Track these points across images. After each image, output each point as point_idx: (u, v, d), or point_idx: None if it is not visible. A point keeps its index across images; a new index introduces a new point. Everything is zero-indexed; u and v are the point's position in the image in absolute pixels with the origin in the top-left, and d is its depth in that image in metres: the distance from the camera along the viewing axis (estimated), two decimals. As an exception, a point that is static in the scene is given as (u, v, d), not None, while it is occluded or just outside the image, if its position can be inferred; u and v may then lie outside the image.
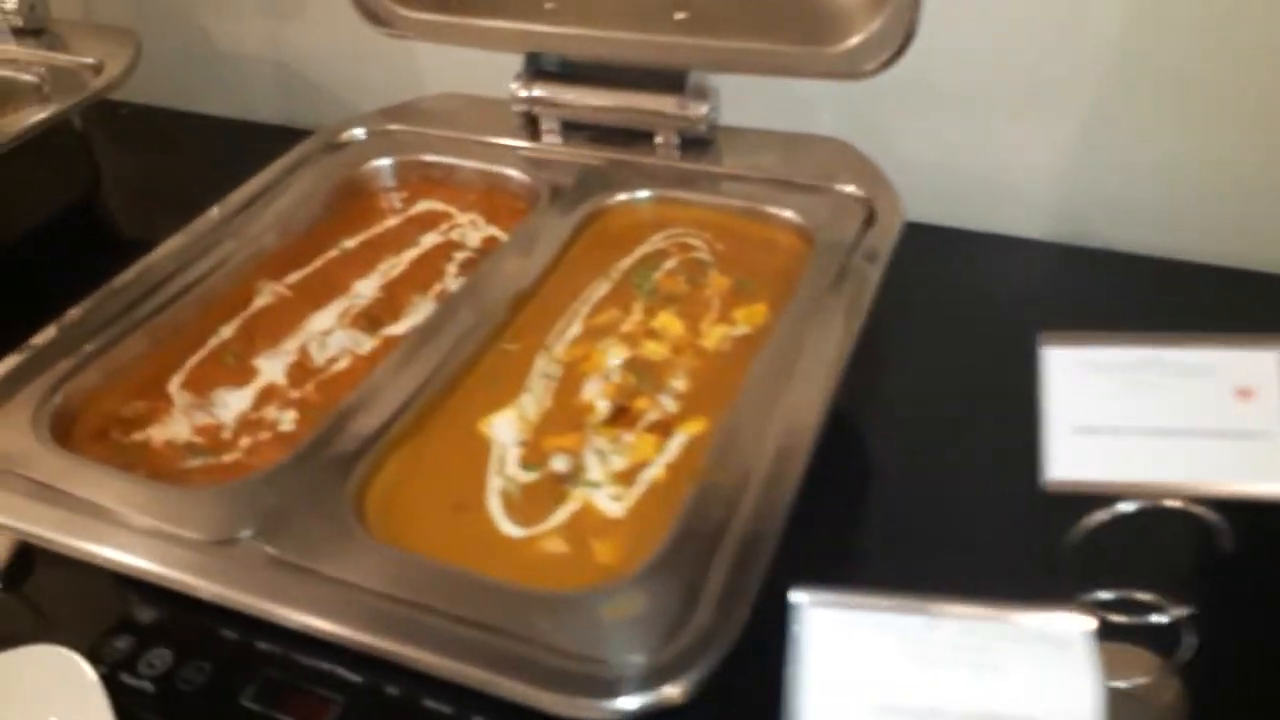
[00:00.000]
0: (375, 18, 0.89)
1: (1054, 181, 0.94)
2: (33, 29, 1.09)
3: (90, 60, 1.03)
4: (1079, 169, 0.93)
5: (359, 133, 0.92)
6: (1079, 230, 0.94)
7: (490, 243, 0.83)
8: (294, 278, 0.80)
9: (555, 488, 0.59)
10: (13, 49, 1.07)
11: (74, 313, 0.72)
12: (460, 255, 0.82)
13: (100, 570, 0.64)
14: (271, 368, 0.72)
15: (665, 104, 0.84)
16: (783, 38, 0.79)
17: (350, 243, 0.84)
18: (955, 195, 0.94)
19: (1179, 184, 0.89)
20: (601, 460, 0.60)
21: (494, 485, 0.59)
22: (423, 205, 0.88)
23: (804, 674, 0.39)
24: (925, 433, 0.73)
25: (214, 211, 0.82)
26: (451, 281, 0.79)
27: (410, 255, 0.82)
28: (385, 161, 0.89)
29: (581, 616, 0.49)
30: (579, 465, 0.60)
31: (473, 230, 0.85)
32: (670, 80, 0.84)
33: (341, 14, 1.14)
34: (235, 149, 1.21)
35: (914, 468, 0.71)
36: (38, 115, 0.95)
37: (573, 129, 0.88)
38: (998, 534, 0.64)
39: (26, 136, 0.94)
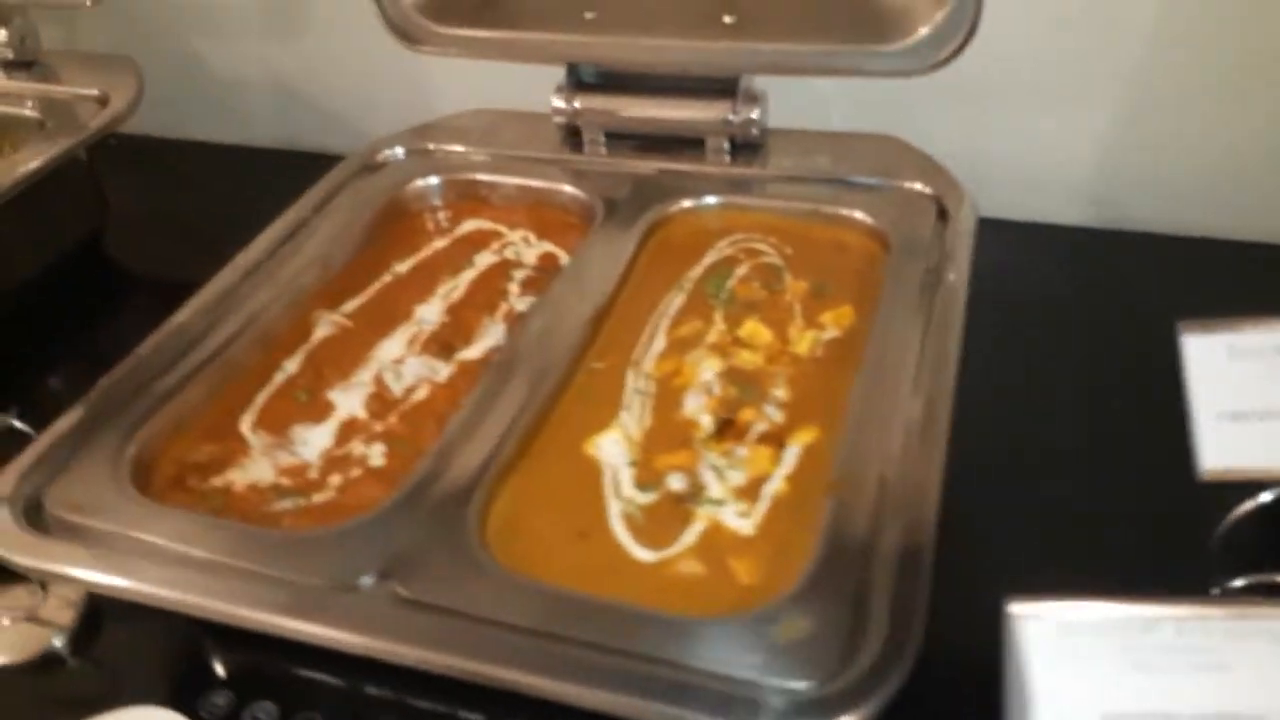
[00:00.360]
0: (408, 36, 0.87)
1: (1089, 167, 0.95)
2: (24, 61, 1.05)
3: (93, 92, 0.99)
4: (1115, 154, 0.93)
5: (395, 153, 0.90)
6: (1117, 215, 0.95)
7: (547, 259, 0.81)
8: (351, 306, 0.78)
9: (678, 507, 0.57)
10: (6, 83, 1.03)
11: (132, 358, 0.69)
12: (520, 274, 0.80)
13: (175, 624, 0.62)
14: (348, 401, 0.69)
15: (715, 110, 0.83)
16: (837, 37, 0.78)
17: (402, 267, 0.82)
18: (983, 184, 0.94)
19: (1216, 164, 0.90)
20: (719, 476, 0.59)
21: (614, 509, 0.57)
22: (470, 224, 0.86)
23: (1028, 686, 0.38)
24: (1041, 425, 0.71)
25: (259, 242, 0.79)
26: (517, 301, 0.77)
27: (468, 277, 0.80)
28: (428, 181, 0.86)
29: (747, 641, 0.47)
30: (697, 483, 0.59)
31: (526, 247, 0.83)
32: (718, 85, 0.83)
33: (342, 33, 1.13)
34: (238, 175, 1.19)
35: (1038, 463, 0.69)
36: (49, 152, 0.91)
37: (617, 139, 0.87)
38: (1146, 525, 0.62)
39: (39, 175, 0.90)
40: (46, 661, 0.64)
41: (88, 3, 0.97)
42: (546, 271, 0.80)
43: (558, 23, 0.84)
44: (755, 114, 0.82)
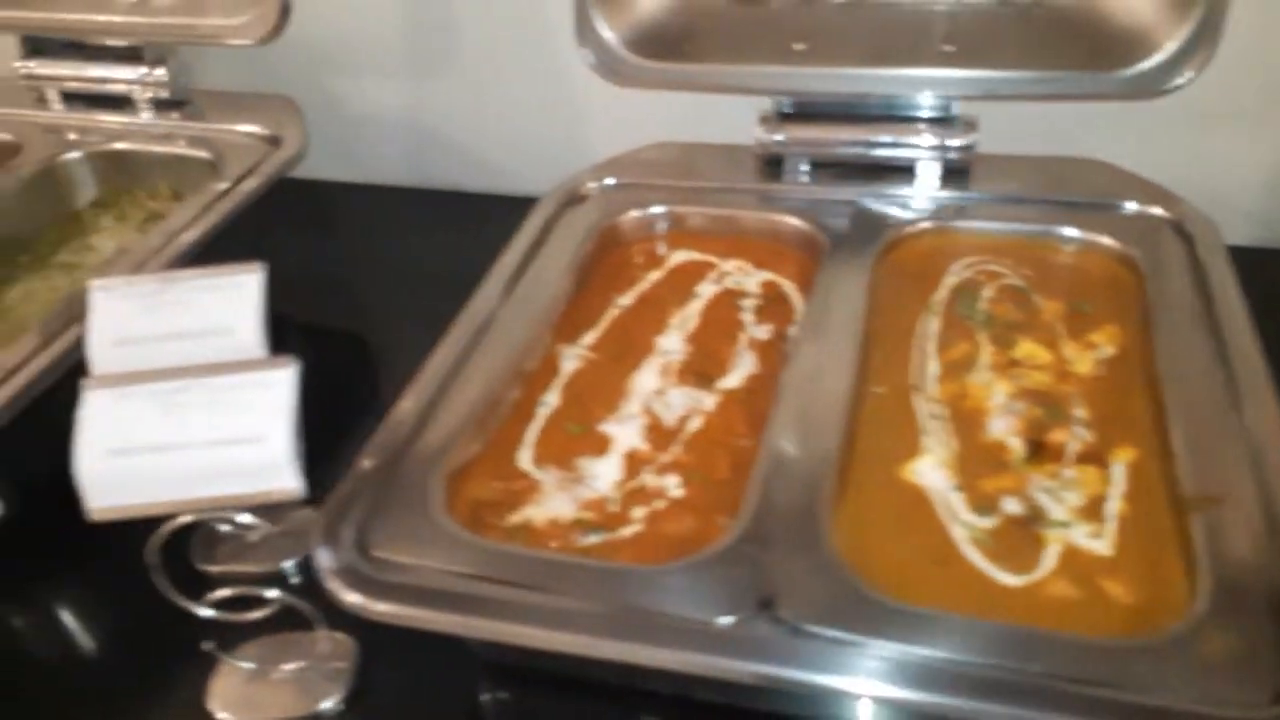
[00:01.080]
0: (613, 72, 0.86)
1: (1259, 189, 0.97)
2: (177, 100, 1.03)
3: (260, 130, 0.98)
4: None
5: (594, 188, 0.89)
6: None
7: (770, 287, 0.81)
8: (589, 339, 0.77)
9: (1025, 531, 0.57)
10: (170, 122, 1.01)
11: (405, 403, 0.67)
12: (748, 303, 0.80)
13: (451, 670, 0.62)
14: (624, 433, 0.68)
15: (928, 136, 0.84)
16: (1062, 62, 0.79)
17: (624, 299, 0.81)
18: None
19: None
20: (1055, 499, 0.59)
21: (959, 535, 0.57)
22: (680, 256, 0.85)
23: None
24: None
25: (492, 282, 0.78)
26: (755, 329, 0.77)
27: (695, 307, 0.80)
28: (641, 214, 0.86)
29: (1178, 660, 0.47)
30: (1034, 506, 0.58)
31: (744, 277, 0.83)
32: (929, 111, 0.84)
33: (486, 73, 1.13)
34: (372, 213, 1.17)
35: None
36: (240, 191, 0.89)
37: (820, 167, 0.87)
38: None
39: (232, 217, 0.87)
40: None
41: (250, 42, 0.95)
42: (775, 300, 0.80)
43: (766, 54, 0.85)
44: (971, 140, 0.83)
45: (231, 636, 0.64)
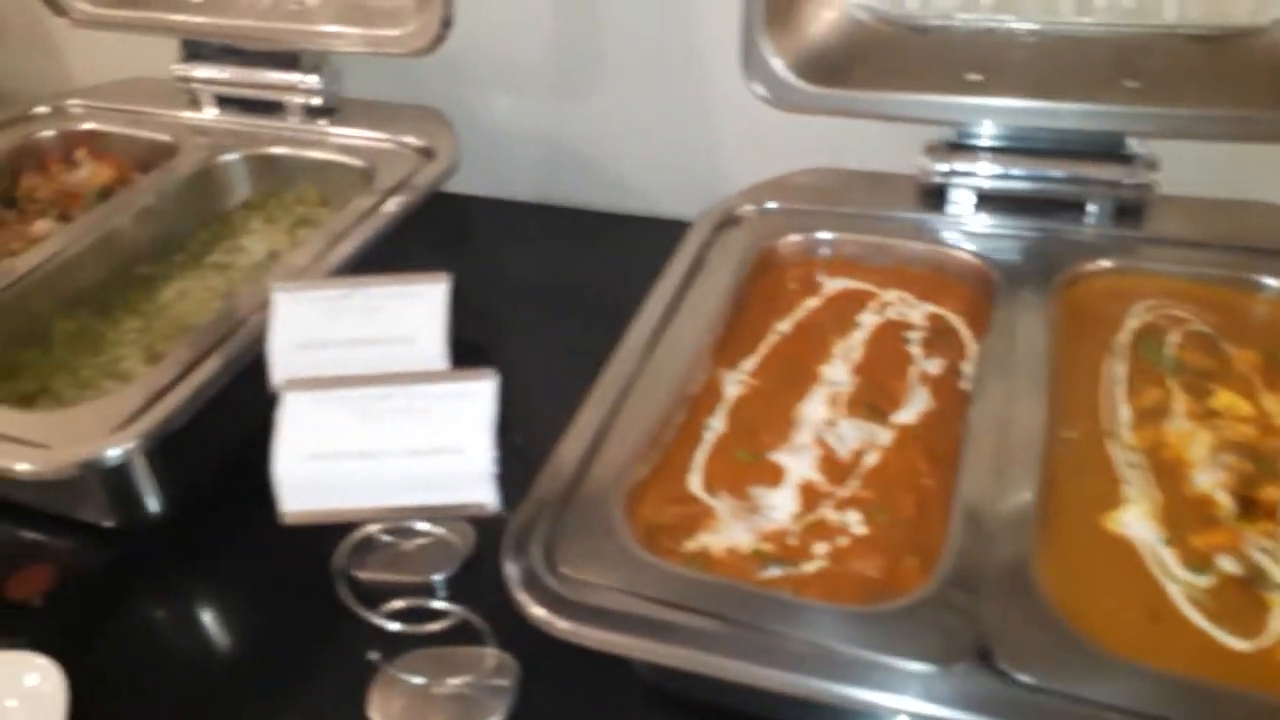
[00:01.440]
0: (781, 98, 0.85)
1: None
2: (327, 108, 1.04)
3: (412, 141, 0.99)
4: None
5: (749, 211, 0.88)
6: None
7: (937, 321, 0.79)
8: (749, 365, 0.75)
9: (1246, 592, 0.54)
10: (318, 128, 1.02)
11: (583, 419, 0.66)
12: (914, 335, 0.78)
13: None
14: (797, 464, 0.67)
15: (1105, 172, 0.81)
16: (1247, 101, 0.76)
17: (782, 325, 0.79)
18: None
19: None
20: (1275, 560, 0.55)
21: (1174, 591, 0.54)
22: (837, 284, 0.83)
23: None
24: None
25: (653, 303, 0.77)
26: (926, 364, 0.75)
27: (859, 337, 0.78)
28: (800, 239, 0.85)
29: None
30: (1253, 566, 0.55)
31: (907, 308, 0.80)
32: (1104, 147, 0.81)
33: (634, 91, 1.12)
34: (515, 230, 1.17)
35: None
36: (396, 202, 0.90)
37: (986, 200, 0.85)
38: None
39: (389, 229, 0.87)
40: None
41: (411, 52, 0.96)
42: (943, 334, 0.77)
43: (935, 83, 0.83)
44: (1149, 179, 0.80)
45: (389, 646, 0.63)
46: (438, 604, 0.60)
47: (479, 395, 0.55)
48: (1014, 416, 0.64)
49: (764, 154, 0.94)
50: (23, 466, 0.64)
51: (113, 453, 0.64)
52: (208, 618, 0.72)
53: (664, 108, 1.12)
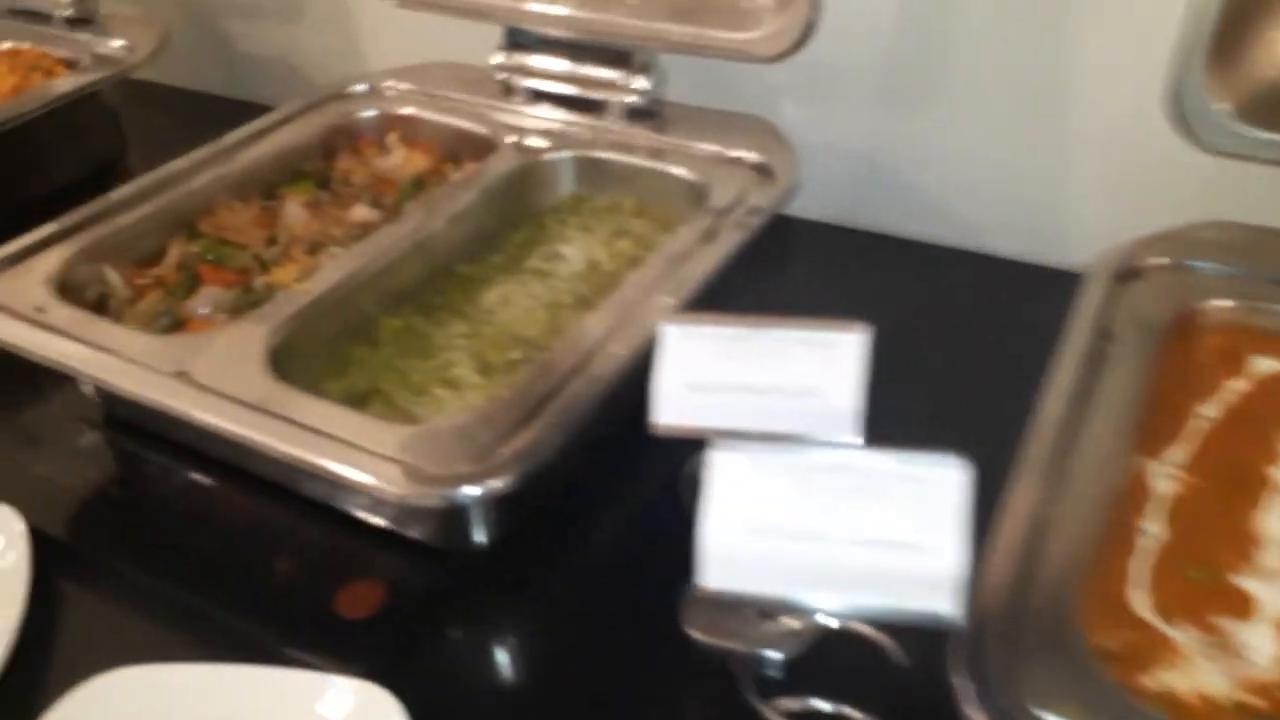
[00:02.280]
0: (1219, 146, 0.72)
1: None
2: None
3: (745, 155, 0.90)
4: None
5: (1151, 265, 0.75)
6: None
7: (1406, 424, 0.65)
8: (1177, 456, 0.64)
9: None
10: (641, 132, 0.95)
11: (1015, 510, 0.56)
12: (1382, 439, 0.64)
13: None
14: (1271, 595, 0.55)
15: None
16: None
17: (1207, 410, 0.67)
18: None
19: None
20: None
21: None
22: (1266, 364, 0.70)
23: None
24: None
25: (1062, 370, 0.66)
26: (1407, 479, 0.61)
27: (1307, 435, 0.65)
28: (1221, 305, 0.72)
29: None
30: None
31: (1363, 404, 0.67)
32: None
33: (947, 117, 1.02)
34: (826, 253, 1.08)
35: None
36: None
37: None
38: None
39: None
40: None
41: (766, 58, 0.87)
42: None
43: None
44: None
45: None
46: (850, 711, 0.51)
47: (949, 485, 0.45)
48: None
49: (1122, 199, 0.82)
50: (391, 488, 0.58)
51: (485, 488, 0.58)
52: (532, 651, 0.66)
53: (1004, 135, 1.01)
